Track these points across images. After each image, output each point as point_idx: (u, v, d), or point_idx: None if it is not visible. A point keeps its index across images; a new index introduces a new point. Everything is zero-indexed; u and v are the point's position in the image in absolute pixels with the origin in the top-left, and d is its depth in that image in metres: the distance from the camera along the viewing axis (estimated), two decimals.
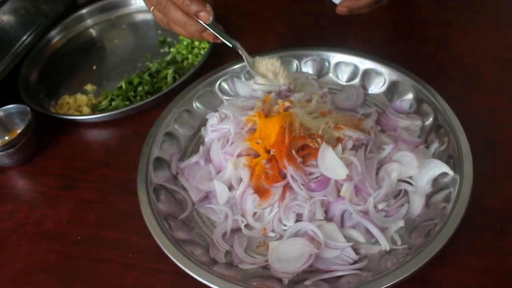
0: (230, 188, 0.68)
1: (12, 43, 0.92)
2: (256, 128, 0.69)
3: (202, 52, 0.98)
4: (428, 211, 0.64)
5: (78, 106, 0.92)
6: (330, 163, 0.64)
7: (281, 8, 1.06)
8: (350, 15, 0.77)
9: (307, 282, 0.59)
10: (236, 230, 0.66)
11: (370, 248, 0.63)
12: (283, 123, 0.67)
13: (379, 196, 0.64)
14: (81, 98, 0.93)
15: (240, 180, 0.67)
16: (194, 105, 0.82)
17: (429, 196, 0.66)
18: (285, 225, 0.65)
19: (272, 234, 0.65)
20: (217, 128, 0.74)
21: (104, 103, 0.91)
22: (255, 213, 0.66)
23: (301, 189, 0.64)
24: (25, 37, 0.95)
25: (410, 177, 0.67)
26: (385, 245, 0.61)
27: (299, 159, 0.65)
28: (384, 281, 0.56)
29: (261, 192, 0.66)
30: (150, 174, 0.71)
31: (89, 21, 1.13)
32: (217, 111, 0.77)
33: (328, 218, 0.65)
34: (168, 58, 0.98)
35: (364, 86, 0.82)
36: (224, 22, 1.04)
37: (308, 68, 0.85)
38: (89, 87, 0.97)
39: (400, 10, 0.99)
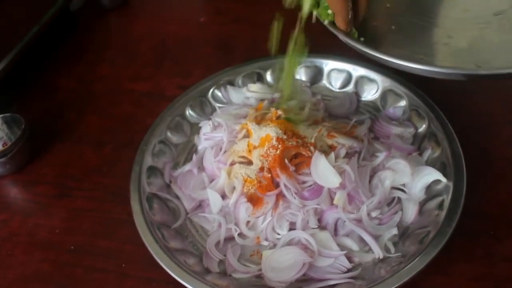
0: (223, 196, 0.68)
1: (4, 50, 0.92)
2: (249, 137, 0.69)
3: None
4: (422, 219, 0.64)
5: None
6: (323, 171, 0.64)
7: (275, 15, 1.06)
8: None
9: None
10: (229, 239, 0.66)
11: (363, 256, 0.62)
12: (276, 131, 0.67)
13: (372, 204, 0.64)
14: None
15: (233, 188, 0.67)
16: (187, 112, 0.81)
17: (422, 204, 0.66)
18: (278, 234, 0.65)
19: (265, 243, 0.65)
20: (210, 137, 0.74)
21: None
22: (248, 222, 0.66)
23: (294, 198, 0.64)
24: (17, 44, 0.94)
25: (403, 185, 0.67)
26: (378, 253, 0.61)
27: (292, 168, 0.65)
28: None
29: (254, 200, 0.66)
30: (143, 183, 0.71)
31: None
32: (210, 119, 0.77)
33: (322, 227, 0.64)
34: None
35: (357, 93, 0.82)
36: (218, 28, 1.06)
37: (301, 75, 0.85)
38: None
39: None
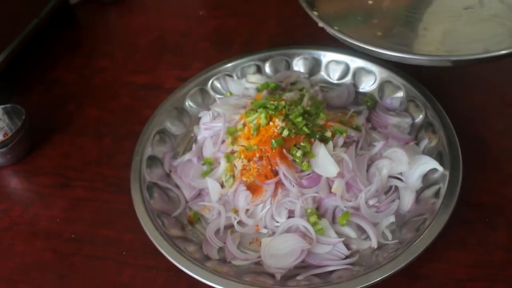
0: (223, 185, 0.69)
1: (4, 43, 0.92)
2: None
3: None
4: (418, 207, 0.65)
5: None
6: (322, 161, 0.65)
7: (273, 8, 1.07)
8: None
9: (299, 277, 0.60)
10: (229, 227, 0.67)
11: (361, 244, 0.63)
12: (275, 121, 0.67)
13: (370, 192, 0.65)
14: None
15: (233, 177, 0.68)
16: (186, 103, 0.82)
17: (419, 192, 0.67)
18: (277, 222, 0.65)
19: (264, 231, 0.66)
20: (209, 126, 0.75)
21: None
22: (247, 210, 0.67)
23: (293, 186, 0.65)
24: (17, 37, 0.95)
25: (401, 173, 0.68)
26: (374, 242, 0.62)
27: (290, 158, 0.66)
28: (375, 275, 0.57)
29: (253, 189, 0.66)
30: (143, 172, 0.71)
31: None
32: (210, 109, 0.78)
33: (320, 214, 0.65)
34: None
35: (355, 84, 0.83)
36: (217, 22, 1.07)
37: (299, 66, 0.86)
38: None
39: None
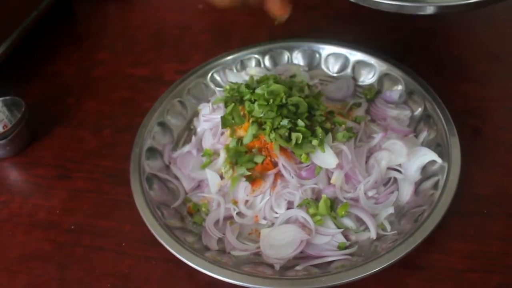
0: (222, 176, 0.69)
1: (4, 35, 0.92)
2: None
3: None
4: (417, 198, 0.65)
5: None
6: (321, 152, 0.65)
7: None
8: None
9: (298, 268, 0.60)
10: (228, 218, 0.67)
11: (360, 235, 0.64)
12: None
13: (369, 184, 0.65)
14: None
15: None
16: (186, 96, 0.82)
17: (418, 184, 0.67)
18: (276, 213, 0.66)
19: (263, 222, 0.66)
20: (209, 118, 0.75)
21: None
22: (247, 201, 0.67)
23: (292, 178, 0.65)
24: (16, 29, 0.95)
25: (399, 165, 0.68)
26: (373, 233, 0.63)
27: (289, 149, 0.66)
28: (373, 265, 0.57)
29: (252, 180, 0.66)
30: (142, 163, 0.71)
31: None
32: (209, 101, 0.78)
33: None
34: None
35: (354, 77, 0.83)
36: (217, 15, 1.07)
37: (299, 60, 0.86)
38: None
39: None
